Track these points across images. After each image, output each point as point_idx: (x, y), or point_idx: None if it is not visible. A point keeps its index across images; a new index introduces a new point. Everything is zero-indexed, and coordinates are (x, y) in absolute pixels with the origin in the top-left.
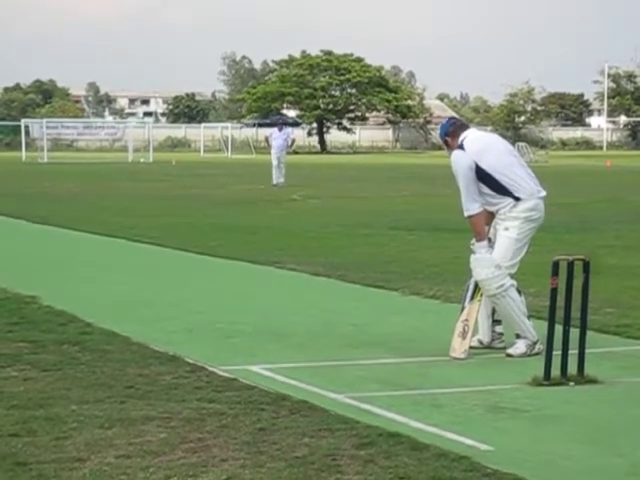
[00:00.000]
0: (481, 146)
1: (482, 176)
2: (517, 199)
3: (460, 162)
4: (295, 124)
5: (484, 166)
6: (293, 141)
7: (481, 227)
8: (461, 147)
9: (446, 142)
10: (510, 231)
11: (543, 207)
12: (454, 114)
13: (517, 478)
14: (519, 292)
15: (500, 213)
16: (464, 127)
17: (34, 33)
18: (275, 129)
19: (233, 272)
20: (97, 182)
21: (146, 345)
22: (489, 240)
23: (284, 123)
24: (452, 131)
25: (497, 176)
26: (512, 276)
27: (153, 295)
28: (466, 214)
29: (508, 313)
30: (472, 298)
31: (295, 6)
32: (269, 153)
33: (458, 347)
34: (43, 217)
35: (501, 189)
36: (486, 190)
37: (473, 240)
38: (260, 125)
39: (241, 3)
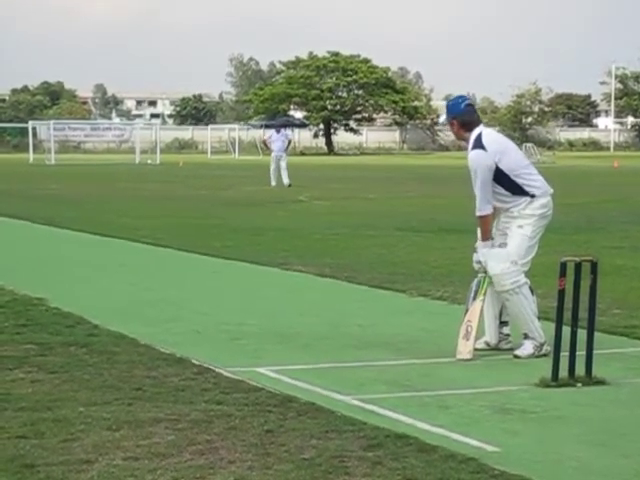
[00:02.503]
0: (500, 148)
1: (499, 177)
2: (533, 196)
3: (481, 162)
4: (302, 125)
5: (503, 167)
6: (289, 143)
7: (489, 227)
8: (481, 146)
9: (451, 124)
10: (525, 229)
11: (552, 204)
12: None
13: (524, 479)
14: (531, 291)
15: (512, 211)
16: (479, 123)
17: (41, 35)
18: (273, 131)
19: (239, 273)
20: (104, 184)
21: (153, 347)
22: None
23: (282, 125)
24: (465, 121)
25: (514, 178)
26: (525, 274)
27: (159, 296)
28: (478, 213)
29: (519, 310)
30: (474, 299)
31: (302, 7)
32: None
33: (463, 349)
34: (49, 219)
35: (517, 189)
36: (501, 190)
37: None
38: (267, 126)
39: (248, 5)
